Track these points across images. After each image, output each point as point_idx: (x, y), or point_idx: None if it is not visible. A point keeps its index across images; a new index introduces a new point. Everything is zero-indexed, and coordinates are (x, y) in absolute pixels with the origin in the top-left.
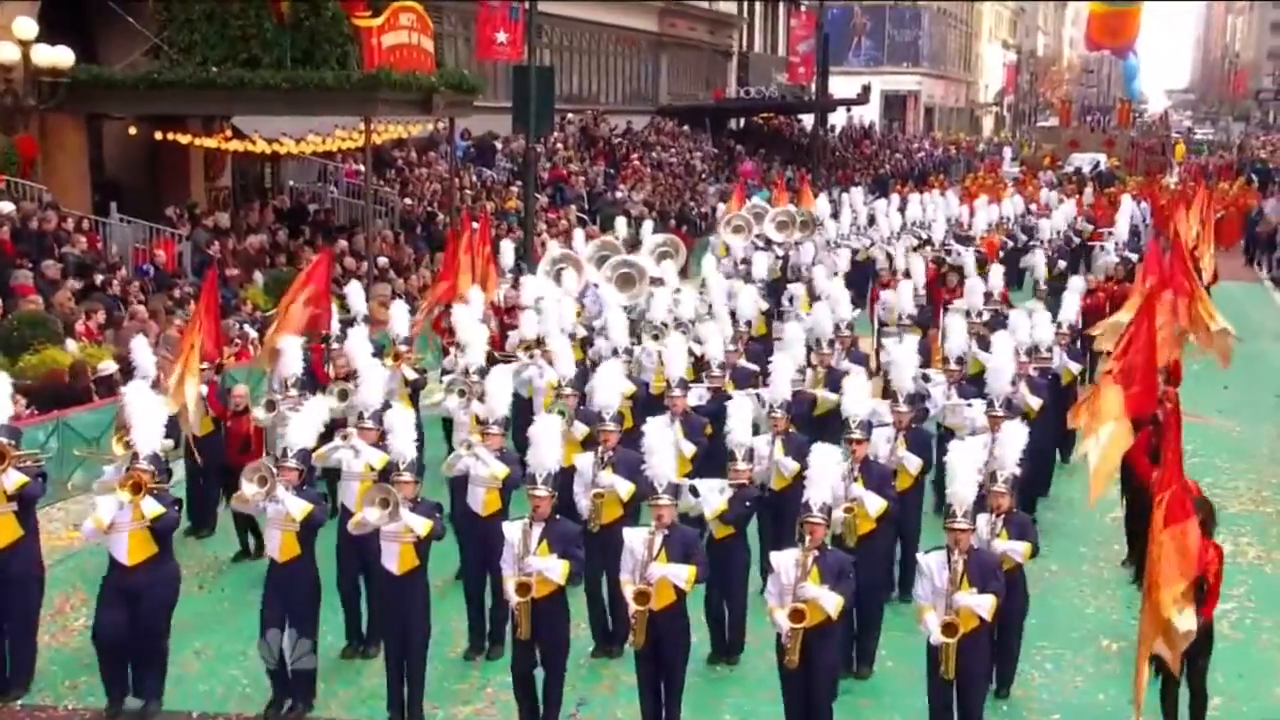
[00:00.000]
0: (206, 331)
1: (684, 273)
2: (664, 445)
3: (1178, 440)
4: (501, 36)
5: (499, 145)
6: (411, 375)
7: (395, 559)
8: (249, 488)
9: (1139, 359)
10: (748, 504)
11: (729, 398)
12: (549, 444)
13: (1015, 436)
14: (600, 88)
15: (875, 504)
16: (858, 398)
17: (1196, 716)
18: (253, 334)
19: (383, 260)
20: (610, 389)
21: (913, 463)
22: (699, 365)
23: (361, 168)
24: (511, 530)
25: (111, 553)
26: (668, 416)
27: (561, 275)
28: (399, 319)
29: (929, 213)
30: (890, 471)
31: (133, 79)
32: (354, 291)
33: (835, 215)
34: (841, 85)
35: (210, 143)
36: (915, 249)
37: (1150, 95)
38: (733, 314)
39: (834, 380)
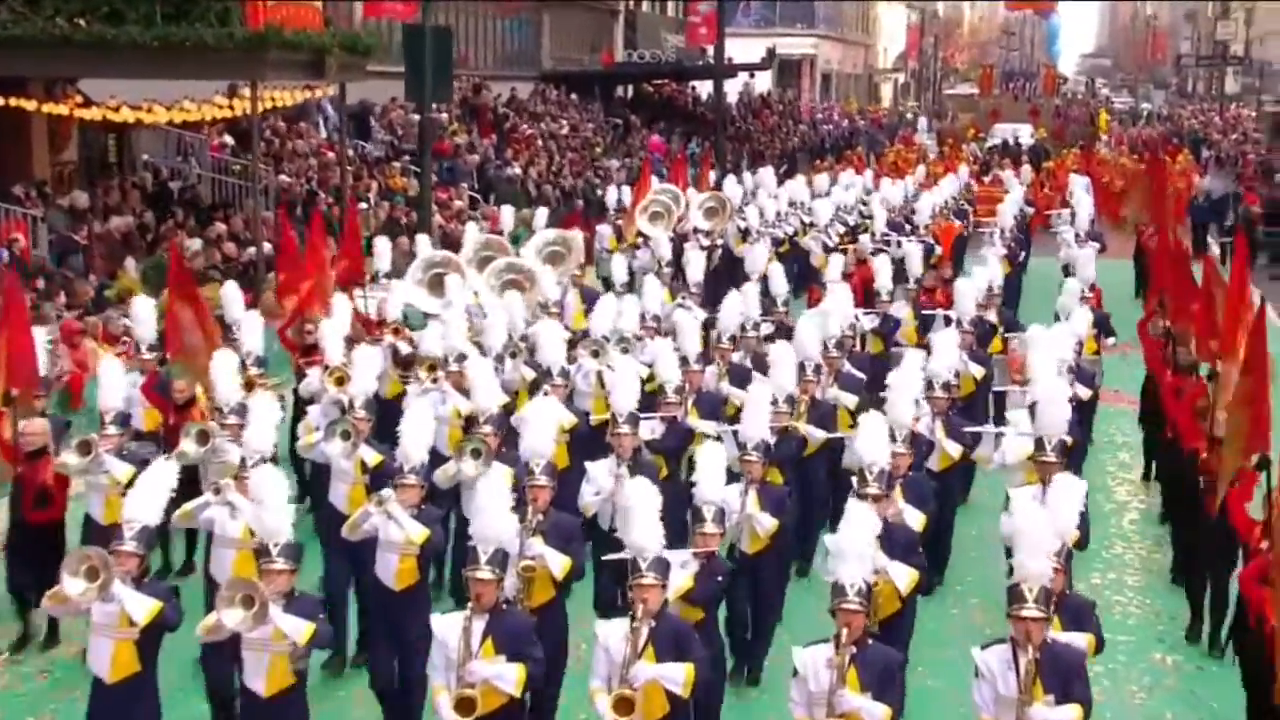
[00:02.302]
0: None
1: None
2: (643, 507)
3: None
4: None
5: (375, 115)
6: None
7: (393, 573)
8: (72, 584)
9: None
10: (719, 579)
11: (688, 431)
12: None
13: (1072, 491)
14: (475, 51)
15: (905, 577)
16: (873, 439)
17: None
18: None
19: (268, 247)
20: (542, 431)
21: (914, 518)
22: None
23: (229, 140)
24: (446, 627)
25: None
26: (612, 460)
27: (439, 280)
28: (251, 330)
29: (849, 195)
30: (915, 535)
31: None
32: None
33: (750, 199)
34: (732, 49)
35: (62, 109)
36: (848, 240)
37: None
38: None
39: (820, 415)
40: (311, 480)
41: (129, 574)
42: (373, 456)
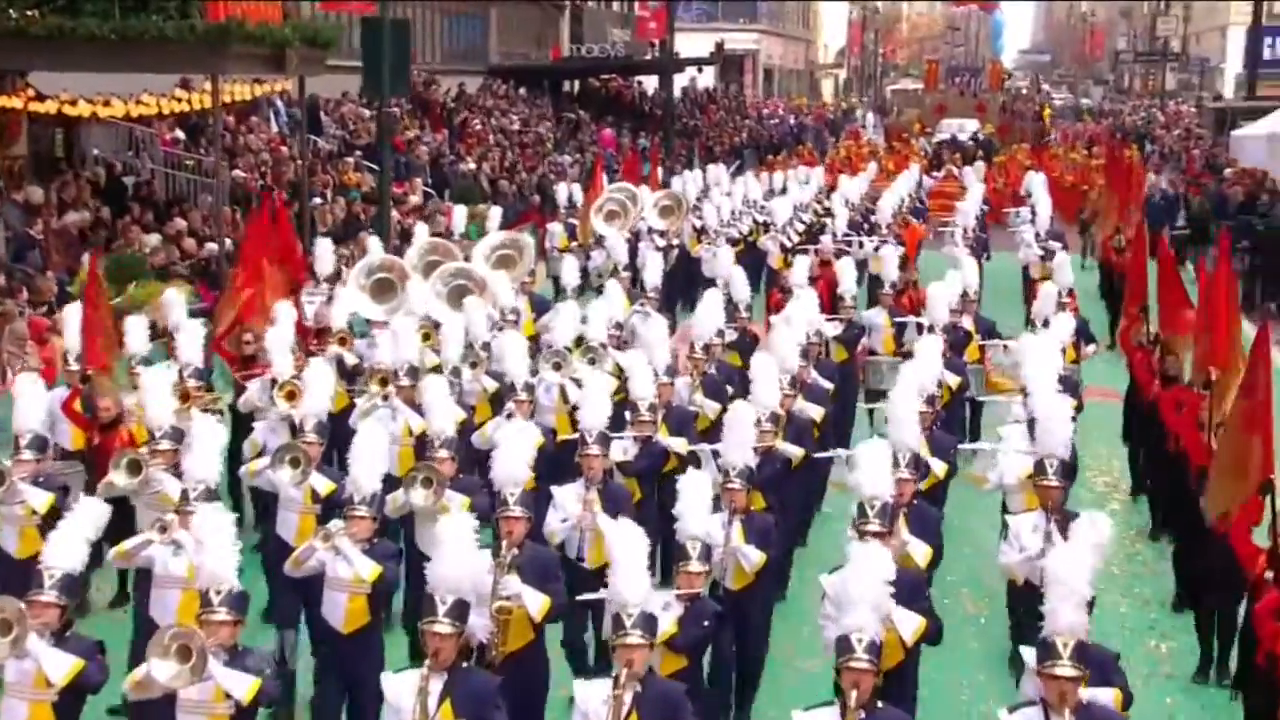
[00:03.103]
0: None
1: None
2: (629, 555)
3: None
4: None
5: (326, 110)
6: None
7: (342, 615)
8: None
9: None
10: (706, 623)
11: (662, 451)
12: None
13: (1100, 532)
14: (423, 46)
15: (910, 624)
16: (874, 469)
17: None
18: None
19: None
20: (517, 456)
21: (920, 552)
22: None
23: (180, 135)
24: (399, 686)
25: None
26: (580, 484)
27: (384, 285)
28: (189, 340)
29: (805, 192)
30: (922, 577)
31: None
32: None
33: (704, 196)
34: (677, 43)
35: (15, 103)
36: (805, 240)
37: (1004, 56)
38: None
39: (796, 430)
40: (256, 508)
41: (48, 627)
42: (324, 485)
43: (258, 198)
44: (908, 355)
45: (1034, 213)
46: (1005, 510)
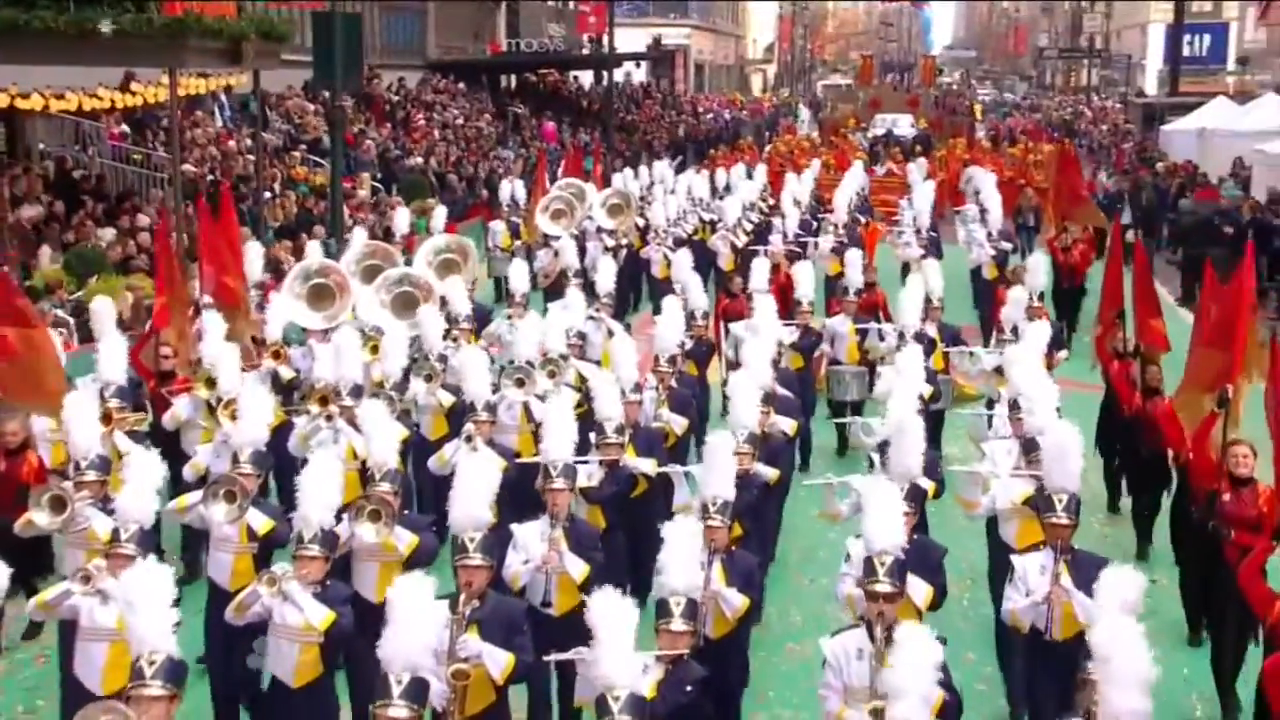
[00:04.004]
0: None
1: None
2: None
3: None
4: None
5: (271, 104)
6: (125, 447)
7: (291, 667)
8: None
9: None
10: (688, 689)
11: (630, 476)
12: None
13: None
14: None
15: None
16: (885, 520)
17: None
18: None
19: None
20: (477, 495)
21: (919, 591)
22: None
23: (126, 129)
24: None
25: None
26: (543, 521)
27: (320, 293)
28: (111, 354)
29: (752, 190)
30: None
31: None
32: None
33: (647, 193)
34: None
35: None
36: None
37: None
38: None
39: (770, 450)
40: (186, 544)
41: None
42: (262, 522)
43: (208, 192)
44: (870, 364)
45: (984, 211)
46: (992, 533)
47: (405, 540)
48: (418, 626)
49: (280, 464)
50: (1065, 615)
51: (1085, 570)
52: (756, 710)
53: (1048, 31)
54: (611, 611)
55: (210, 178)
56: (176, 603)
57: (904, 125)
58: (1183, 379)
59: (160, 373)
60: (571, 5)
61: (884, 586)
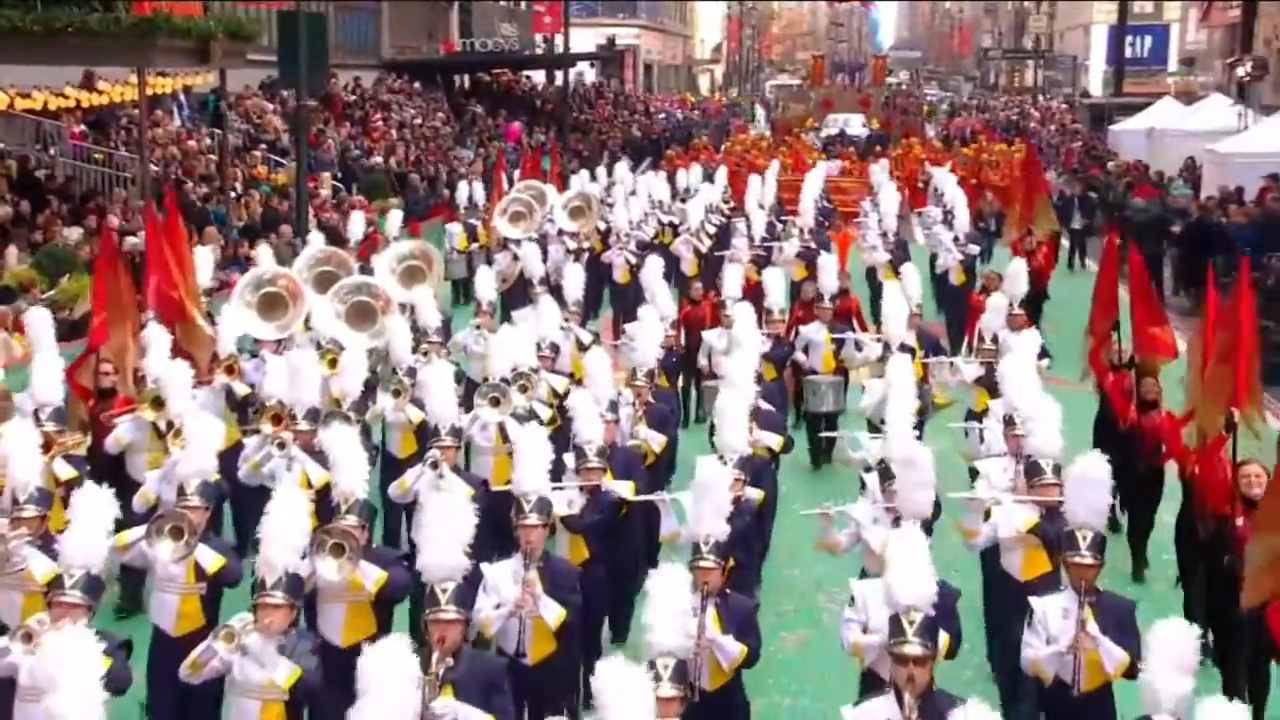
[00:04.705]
0: None
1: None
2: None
3: None
4: None
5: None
6: (65, 473)
7: None
8: None
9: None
10: None
11: (613, 503)
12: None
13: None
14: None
15: None
16: (912, 572)
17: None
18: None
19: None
20: (450, 542)
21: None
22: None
23: (85, 128)
24: None
25: None
26: (517, 561)
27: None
28: (45, 374)
29: (714, 192)
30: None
31: None
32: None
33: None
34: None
35: None
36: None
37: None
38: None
39: (755, 469)
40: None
41: None
42: (212, 559)
43: (157, 196)
44: (845, 372)
45: (949, 213)
46: (989, 563)
47: (372, 577)
48: (392, 700)
49: (235, 488)
50: (1090, 665)
51: (1112, 615)
52: (755, 697)
53: (991, 32)
54: (618, 684)
55: (173, 177)
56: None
57: (856, 125)
58: (1199, 389)
59: (100, 390)
60: (524, 5)
61: (914, 649)
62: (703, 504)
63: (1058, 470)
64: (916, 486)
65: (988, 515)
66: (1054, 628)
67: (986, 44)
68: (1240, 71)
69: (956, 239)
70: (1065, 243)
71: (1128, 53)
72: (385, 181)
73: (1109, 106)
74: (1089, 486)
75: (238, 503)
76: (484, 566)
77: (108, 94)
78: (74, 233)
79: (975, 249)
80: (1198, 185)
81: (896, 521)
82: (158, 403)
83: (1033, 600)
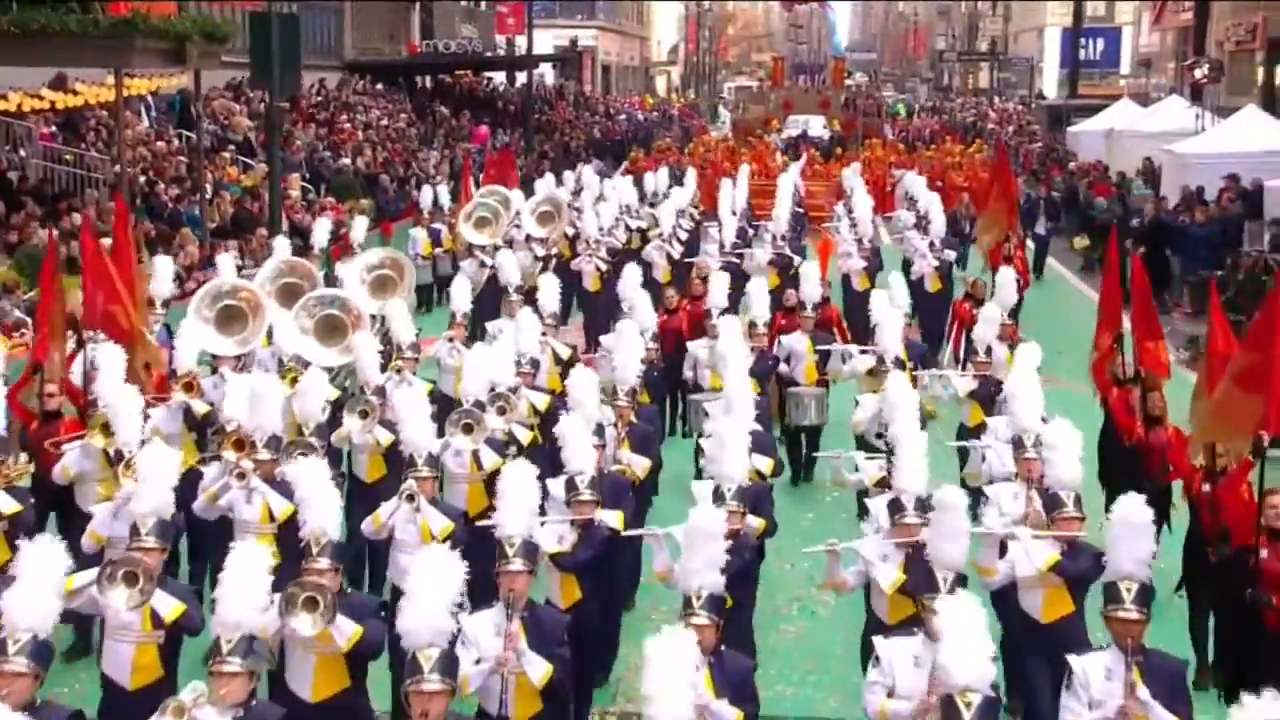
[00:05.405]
0: None
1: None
2: None
3: None
4: None
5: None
6: (7, 508)
7: None
8: None
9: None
10: None
11: (606, 538)
12: None
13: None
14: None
15: None
16: (972, 645)
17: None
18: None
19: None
20: (434, 604)
21: None
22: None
23: (54, 129)
24: None
25: None
26: (498, 611)
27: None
28: None
29: (684, 197)
30: None
31: None
32: None
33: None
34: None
35: None
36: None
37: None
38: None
39: (754, 496)
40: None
41: None
42: (170, 607)
43: (143, 194)
44: (826, 384)
45: (923, 218)
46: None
47: (346, 634)
48: None
49: (190, 519)
50: None
51: (1162, 677)
52: (760, 689)
53: (945, 34)
54: None
55: (146, 178)
56: None
57: (817, 126)
58: (1207, 411)
59: (44, 413)
60: (484, 6)
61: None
62: (695, 555)
63: (1079, 502)
64: (949, 536)
65: (1003, 550)
66: (1097, 690)
67: (941, 46)
68: (1198, 73)
69: (932, 244)
70: (1031, 245)
71: (1081, 55)
72: (355, 183)
73: (1066, 108)
74: (1132, 532)
75: (194, 532)
76: (463, 618)
77: (84, 95)
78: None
79: (952, 255)
80: (1157, 186)
81: (907, 559)
82: (108, 429)
83: (1071, 659)
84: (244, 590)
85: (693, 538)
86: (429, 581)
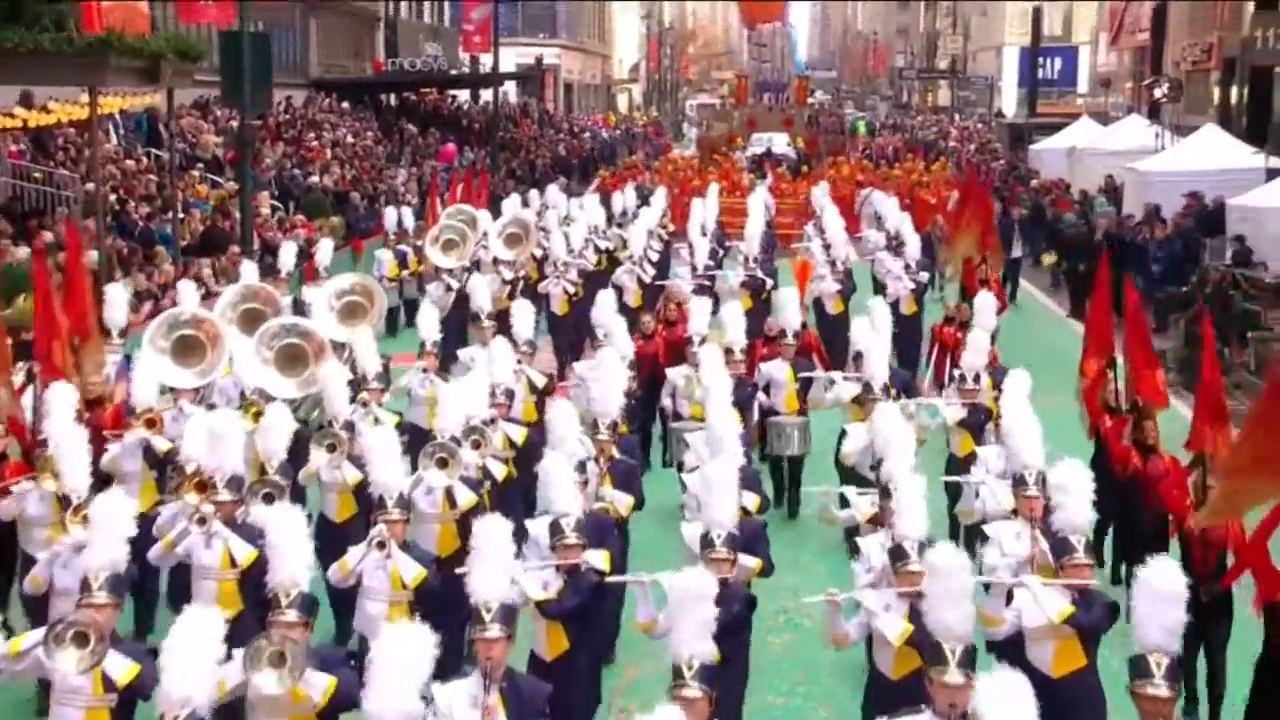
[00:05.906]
0: None
1: None
2: None
3: None
4: None
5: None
6: None
7: None
8: None
9: None
10: None
11: (594, 584)
12: None
13: None
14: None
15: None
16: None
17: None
18: None
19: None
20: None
21: None
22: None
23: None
24: None
25: None
26: (474, 681)
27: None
28: None
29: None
30: None
31: None
32: None
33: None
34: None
35: None
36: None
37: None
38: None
39: (748, 537)
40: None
41: None
42: (123, 668)
43: (112, 212)
44: (804, 413)
45: (896, 239)
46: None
47: (320, 687)
48: None
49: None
50: None
51: None
52: (748, 699)
53: (904, 52)
54: None
55: (115, 195)
56: None
57: (780, 144)
58: (1228, 458)
59: None
60: (448, 24)
61: None
62: (684, 620)
63: (1089, 548)
64: (950, 602)
65: (1009, 597)
66: None
67: (900, 64)
68: (1158, 93)
69: (908, 266)
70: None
71: (1039, 74)
72: (324, 201)
73: (1027, 126)
74: (1162, 602)
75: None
76: (435, 687)
77: (56, 114)
78: (21, 252)
79: (925, 276)
80: (1120, 203)
81: (912, 609)
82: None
83: None
84: (191, 659)
85: (680, 602)
86: (398, 661)
